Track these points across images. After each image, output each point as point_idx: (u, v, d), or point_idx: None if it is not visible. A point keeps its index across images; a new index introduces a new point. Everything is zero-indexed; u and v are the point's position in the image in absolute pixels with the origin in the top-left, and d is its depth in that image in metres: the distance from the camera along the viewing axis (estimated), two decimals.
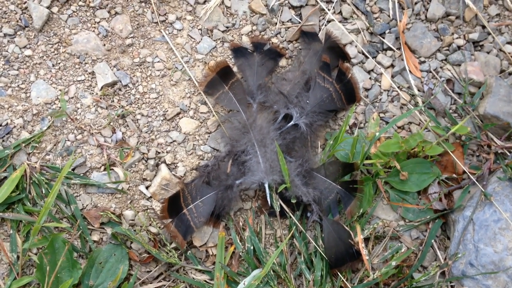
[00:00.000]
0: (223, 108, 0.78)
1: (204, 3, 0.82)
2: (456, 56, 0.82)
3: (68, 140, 0.76)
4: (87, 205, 0.74)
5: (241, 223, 0.75)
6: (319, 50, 0.79)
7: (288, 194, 0.73)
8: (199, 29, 0.81)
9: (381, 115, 0.79)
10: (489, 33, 0.83)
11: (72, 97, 0.77)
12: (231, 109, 0.77)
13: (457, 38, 0.83)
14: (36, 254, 0.72)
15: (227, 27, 0.82)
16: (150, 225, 0.73)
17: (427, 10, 0.83)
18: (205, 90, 0.78)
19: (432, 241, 0.74)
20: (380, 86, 0.81)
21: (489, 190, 0.74)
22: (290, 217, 0.74)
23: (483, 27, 0.83)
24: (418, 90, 0.80)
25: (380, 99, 0.80)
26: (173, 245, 0.73)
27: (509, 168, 0.75)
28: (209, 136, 0.77)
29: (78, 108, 0.77)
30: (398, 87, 0.80)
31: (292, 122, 0.75)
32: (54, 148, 0.75)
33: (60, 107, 0.75)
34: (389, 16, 0.83)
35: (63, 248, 0.68)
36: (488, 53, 0.82)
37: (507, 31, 0.84)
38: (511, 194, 0.74)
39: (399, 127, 0.80)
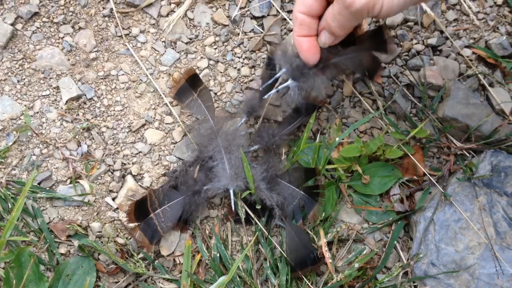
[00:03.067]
0: (188, 118, 0.80)
1: (167, 15, 0.84)
2: (415, 61, 0.83)
3: (34, 155, 0.76)
4: (53, 218, 0.75)
5: (207, 231, 0.76)
6: None
7: (252, 198, 0.74)
8: (162, 42, 0.83)
9: (344, 120, 0.81)
10: (447, 38, 0.85)
11: (37, 112, 0.78)
12: (198, 117, 0.78)
13: (416, 43, 0.85)
14: (3, 268, 0.72)
15: (190, 39, 0.83)
16: (117, 236, 0.74)
17: None
18: (175, 97, 0.79)
19: (395, 242, 0.76)
20: (342, 92, 0.82)
21: (449, 190, 0.76)
22: (256, 223, 0.75)
23: (441, 32, 0.85)
24: (379, 95, 0.82)
25: (343, 105, 0.82)
26: (141, 255, 0.74)
27: (469, 169, 0.77)
28: (174, 146, 0.79)
29: (43, 123, 0.78)
30: (360, 93, 0.82)
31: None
32: (20, 163, 0.76)
33: (25, 122, 0.76)
34: None
35: (30, 261, 0.68)
36: (446, 57, 0.84)
37: (465, 35, 0.86)
38: (470, 194, 0.75)
39: (361, 132, 0.81)
